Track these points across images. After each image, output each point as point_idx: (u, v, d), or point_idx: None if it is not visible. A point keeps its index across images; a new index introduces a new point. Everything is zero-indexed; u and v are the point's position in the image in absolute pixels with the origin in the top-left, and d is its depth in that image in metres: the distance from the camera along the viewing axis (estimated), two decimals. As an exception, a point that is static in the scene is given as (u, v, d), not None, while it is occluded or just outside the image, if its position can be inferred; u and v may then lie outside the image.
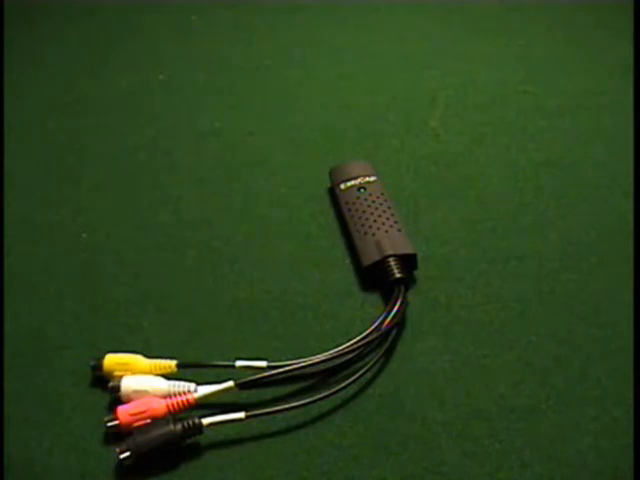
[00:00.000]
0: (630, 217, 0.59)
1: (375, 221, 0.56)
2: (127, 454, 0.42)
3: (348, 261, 0.56)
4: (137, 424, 0.44)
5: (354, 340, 0.48)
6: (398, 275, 0.52)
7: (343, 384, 0.46)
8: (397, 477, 0.43)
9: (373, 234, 0.55)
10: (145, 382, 0.46)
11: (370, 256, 0.54)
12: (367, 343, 0.48)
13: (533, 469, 0.43)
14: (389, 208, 0.57)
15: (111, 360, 0.47)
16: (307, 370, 0.47)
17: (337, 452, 0.44)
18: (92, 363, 0.48)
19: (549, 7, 0.88)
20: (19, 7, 0.89)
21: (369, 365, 0.47)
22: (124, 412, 0.44)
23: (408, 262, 0.53)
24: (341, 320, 0.52)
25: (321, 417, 0.46)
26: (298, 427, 0.45)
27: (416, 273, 0.54)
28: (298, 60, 0.80)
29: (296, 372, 0.47)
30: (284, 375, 0.47)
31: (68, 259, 0.57)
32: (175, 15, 0.89)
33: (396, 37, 0.84)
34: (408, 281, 0.52)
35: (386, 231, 0.55)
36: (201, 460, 0.44)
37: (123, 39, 0.85)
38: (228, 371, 0.47)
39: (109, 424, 0.44)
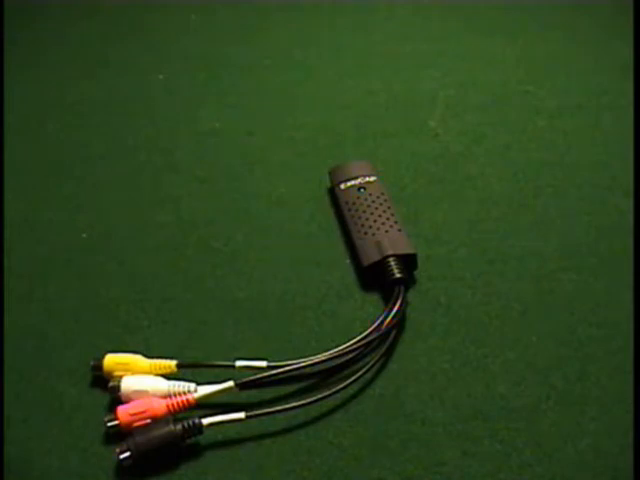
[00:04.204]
0: (630, 217, 0.59)
1: (375, 221, 0.56)
2: (127, 454, 0.42)
3: (348, 261, 0.56)
4: (137, 424, 0.44)
5: (354, 340, 0.48)
6: (398, 275, 0.52)
7: (343, 384, 0.46)
8: (397, 477, 0.43)
9: (373, 234, 0.55)
10: (145, 382, 0.46)
11: (370, 256, 0.54)
12: (367, 343, 0.48)
13: (533, 469, 0.43)
14: (389, 208, 0.57)
15: (111, 360, 0.47)
16: (307, 370, 0.47)
17: (337, 452, 0.44)
18: (92, 363, 0.48)
19: (549, 7, 0.88)
20: (19, 7, 0.89)
21: (369, 365, 0.47)
22: (124, 412, 0.44)
23: (408, 262, 0.53)
24: (341, 320, 0.52)
25: (321, 417, 0.46)
26: (298, 427, 0.45)
27: (416, 273, 0.54)
28: (298, 60, 0.80)
29: (296, 372, 0.47)
30: (284, 375, 0.47)
31: (68, 259, 0.57)
32: (175, 15, 0.89)
33: (396, 37, 0.84)
34: (408, 281, 0.52)
35: (386, 231, 0.55)
36: (201, 460, 0.44)
37: (123, 39, 0.85)
38: (228, 371, 0.47)
39: (109, 424, 0.44)
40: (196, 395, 0.45)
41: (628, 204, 0.60)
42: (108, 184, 0.64)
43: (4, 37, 0.83)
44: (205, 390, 0.46)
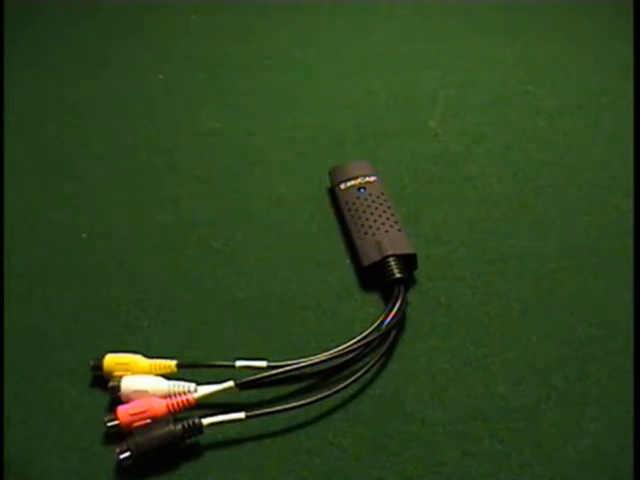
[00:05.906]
0: (630, 217, 0.59)
1: (375, 221, 0.56)
2: (127, 454, 0.42)
3: (348, 261, 0.56)
4: (137, 424, 0.44)
5: (354, 340, 0.48)
6: (398, 275, 0.52)
7: (343, 384, 0.46)
8: (397, 477, 0.43)
9: (373, 234, 0.55)
10: (145, 382, 0.46)
11: (370, 256, 0.54)
12: (367, 343, 0.48)
13: (533, 469, 0.43)
14: (389, 208, 0.57)
15: (111, 360, 0.47)
16: (307, 370, 0.47)
17: (337, 452, 0.44)
18: (92, 363, 0.48)
19: (549, 7, 0.88)
20: (19, 7, 0.89)
21: (369, 365, 0.47)
22: (124, 412, 0.44)
23: (408, 262, 0.53)
24: (341, 320, 0.52)
25: (321, 417, 0.46)
26: (298, 427, 0.45)
27: (416, 273, 0.54)
28: (298, 60, 0.80)
29: (296, 372, 0.47)
30: (284, 375, 0.47)
31: (68, 259, 0.57)
32: (175, 15, 0.89)
33: (396, 37, 0.84)
34: (408, 281, 0.52)
35: (386, 231, 0.55)
36: (201, 460, 0.44)
37: (123, 39, 0.85)
38: (228, 371, 0.47)
39: (109, 424, 0.44)
40: (196, 395, 0.45)
41: (628, 204, 0.60)
42: (108, 184, 0.64)
43: (4, 37, 0.83)
44: (205, 390, 0.46)
